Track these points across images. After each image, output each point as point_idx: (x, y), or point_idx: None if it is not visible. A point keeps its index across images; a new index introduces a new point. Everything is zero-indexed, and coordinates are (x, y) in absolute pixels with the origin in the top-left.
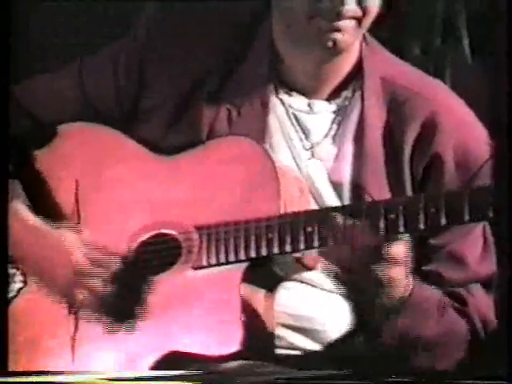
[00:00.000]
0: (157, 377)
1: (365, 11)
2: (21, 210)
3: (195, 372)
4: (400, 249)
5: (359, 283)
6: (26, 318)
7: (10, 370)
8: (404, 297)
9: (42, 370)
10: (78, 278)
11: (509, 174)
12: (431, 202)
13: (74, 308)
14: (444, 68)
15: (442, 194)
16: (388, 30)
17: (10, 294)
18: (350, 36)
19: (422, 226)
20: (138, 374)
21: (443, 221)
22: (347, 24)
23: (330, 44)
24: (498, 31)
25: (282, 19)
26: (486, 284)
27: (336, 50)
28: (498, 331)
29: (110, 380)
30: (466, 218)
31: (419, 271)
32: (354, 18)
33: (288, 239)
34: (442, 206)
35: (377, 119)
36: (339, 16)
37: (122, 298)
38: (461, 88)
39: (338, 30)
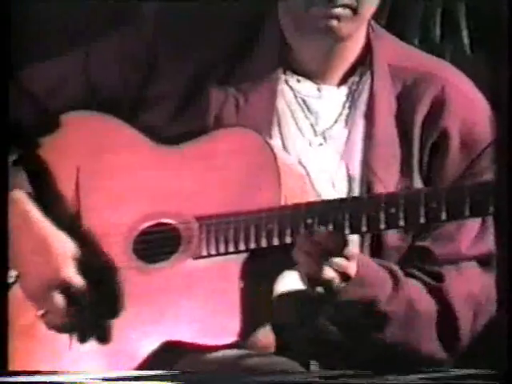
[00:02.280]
0: (156, 376)
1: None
2: (22, 199)
3: (187, 370)
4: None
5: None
6: (25, 304)
7: (9, 357)
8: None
9: (39, 370)
10: (54, 293)
11: (508, 168)
12: (432, 196)
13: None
14: (443, 59)
15: (443, 189)
16: (387, 22)
17: (10, 280)
18: (347, 24)
19: (422, 221)
20: (136, 374)
21: (443, 216)
22: (342, 11)
23: (327, 30)
24: (498, 22)
25: (285, 9)
26: (483, 262)
27: (336, 37)
28: (498, 317)
29: (110, 380)
30: (467, 213)
31: (413, 246)
32: (347, 6)
33: (288, 231)
34: (443, 201)
35: (386, 103)
36: (332, 3)
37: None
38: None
39: (333, 16)
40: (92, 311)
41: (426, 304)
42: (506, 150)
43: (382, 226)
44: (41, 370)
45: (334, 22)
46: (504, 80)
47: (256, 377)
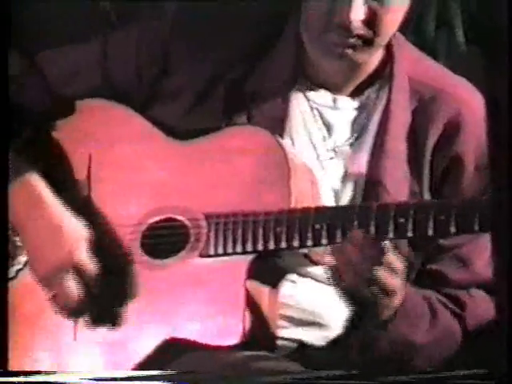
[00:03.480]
0: (155, 376)
1: (377, 31)
2: (35, 182)
3: (186, 371)
4: (397, 258)
5: (356, 288)
6: (29, 294)
7: (10, 349)
8: (397, 305)
9: (39, 369)
10: (66, 274)
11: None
12: (442, 209)
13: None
14: (437, 54)
15: (453, 202)
16: None
17: (17, 267)
18: (363, 53)
19: (430, 233)
20: (137, 374)
21: (453, 229)
22: (357, 42)
23: (342, 57)
24: (493, 17)
25: (305, 25)
26: (489, 289)
27: (352, 64)
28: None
29: (109, 380)
30: (476, 227)
31: (424, 270)
32: (363, 36)
33: (296, 235)
34: (453, 214)
35: (401, 118)
36: (348, 33)
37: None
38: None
39: (349, 46)
40: (104, 295)
41: (457, 333)
42: (507, 152)
43: (391, 235)
44: (43, 360)
45: (349, 51)
46: (501, 73)
47: (258, 377)
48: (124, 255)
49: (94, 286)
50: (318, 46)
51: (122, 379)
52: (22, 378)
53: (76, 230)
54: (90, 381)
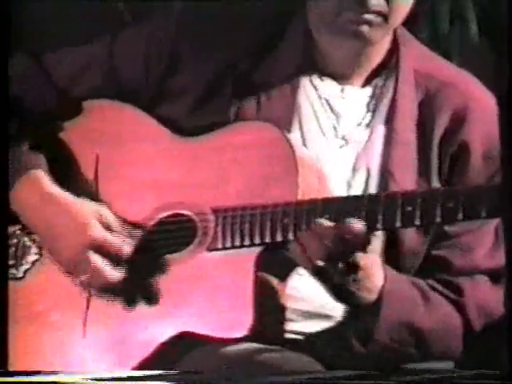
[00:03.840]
0: (155, 375)
1: (392, 7)
2: (40, 177)
3: (178, 372)
4: (372, 255)
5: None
6: (38, 291)
7: (19, 348)
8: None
9: (39, 369)
10: (88, 253)
11: None
12: (449, 196)
13: (78, 283)
14: (451, 48)
15: (460, 189)
16: None
17: (25, 267)
18: (377, 30)
19: (438, 220)
20: (138, 374)
21: (460, 216)
22: (373, 18)
23: (357, 35)
24: (505, 10)
25: (315, 10)
26: (494, 277)
27: (366, 42)
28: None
29: (110, 380)
30: (483, 214)
31: (429, 255)
32: (380, 12)
33: (304, 226)
34: (460, 201)
35: (408, 108)
36: (365, 9)
37: (131, 279)
38: (468, 68)
39: (364, 22)
40: (135, 269)
41: (454, 319)
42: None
43: (398, 224)
44: (52, 358)
45: (365, 28)
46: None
47: (258, 377)
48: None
49: (120, 261)
50: (332, 27)
51: (124, 379)
52: (22, 378)
53: (85, 210)
54: (93, 381)
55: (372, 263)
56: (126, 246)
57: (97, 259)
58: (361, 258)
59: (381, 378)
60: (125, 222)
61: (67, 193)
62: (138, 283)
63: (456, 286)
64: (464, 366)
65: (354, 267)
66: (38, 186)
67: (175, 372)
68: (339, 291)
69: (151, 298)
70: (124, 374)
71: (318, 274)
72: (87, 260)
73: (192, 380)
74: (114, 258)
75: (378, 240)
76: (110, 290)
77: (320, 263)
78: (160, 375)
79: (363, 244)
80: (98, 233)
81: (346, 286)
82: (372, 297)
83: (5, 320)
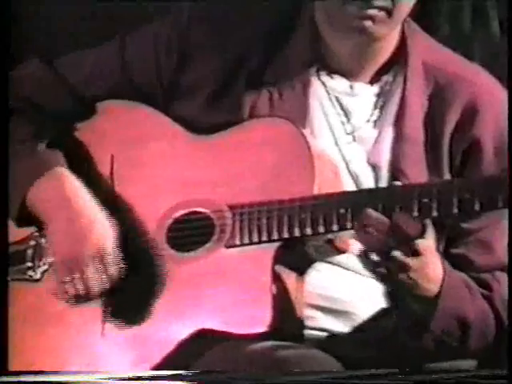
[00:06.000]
0: (158, 376)
1: (396, 2)
2: (63, 173)
3: (195, 372)
4: (430, 241)
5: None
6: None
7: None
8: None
9: (41, 369)
10: (88, 261)
11: None
12: (466, 187)
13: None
14: (473, 46)
15: (476, 180)
16: (418, 10)
17: (43, 268)
18: (382, 25)
19: (455, 211)
20: (139, 374)
21: (477, 206)
22: (376, 13)
23: (361, 30)
24: None
25: (320, 5)
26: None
27: (370, 38)
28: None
29: (110, 380)
30: (500, 204)
31: (448, 254)
32: (383, 8)
33: (321, 220)
34: (477, 192)
35: (418, 103)
36: (369, 4)
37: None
38: (490, 66)
39: (368, 17)
40: (129, 290)
41: (489, 314)
42: None
43: (415, 215)
44: (72, 358)
45: (369, 23)
46: None
47: (271, 378)
48: (150, 250)
49: (116, 280)
50: (336, 23)
51: (127, 379)
52: (22, 378)
53: (104, 223)
54: (96, 380)
55: (431, 250)
56: (117, 270)
57: (90, 269)
58: (420, 243)
59: (410, 377)
60: (136, 229)
61: (87, 195)
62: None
63: (484, 282)
64: (486, 365)
65: (415, 253)
66: (59, 182)
67: (191, 372)
68: (395, 283)
69: (137, 319)
70: (128, 375)
71: (373, 266)
72: (80, 266)
73: (208, 380)
74: (106, 275)
75: (431, 228)
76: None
77: (374, 256)
78: (175, 375)
79: (420, 231)
80: (106, 247)
81: (403, 276)
82: (433, 287)
83: (5, 320)
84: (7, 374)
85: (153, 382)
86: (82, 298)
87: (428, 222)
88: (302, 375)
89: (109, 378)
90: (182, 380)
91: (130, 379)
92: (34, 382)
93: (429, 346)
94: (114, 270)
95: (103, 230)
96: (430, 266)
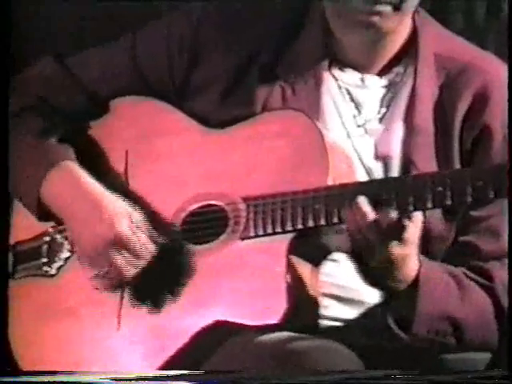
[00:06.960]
0: (160, 376)
1: None
2: (72, 167)
3: (198, 372)
4: (413, 229)
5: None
6: (72, 287)
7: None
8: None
9: (47, 369)
10: (113, 249)
11: None
12: (479, 175)
13: (98, 279)
14: (487, 37)
15: (489, 168)
16: (432, 2)
17: (58, 263)
18: (389, 20)
19: (469, 199)
20: (141, 374)
21: (491, 194)
22: (384, 8)
23: (369, 25)
24: None
25: (329, 1)
26: None
27: (378, 32)
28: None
29: (111, 380)
30: None
31: (456, 241)
32: (390, 3)
33: (335, 211)
34: (490, 180)
35: (429, 94)
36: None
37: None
38: (504, 57)
39: (375, 13)
40: (153, 273)
41: (488, 306)
42: None
43: (429, 205)
44: (88, 353)
45: (376, 18)
46: None
47: (279, 378)
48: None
49: (141, 259)
50: (344, 18)
51: (129, 379)
52: (22, 378)
53: (115, 205)
54: (100, 380)
55: (406, 254)
56: (148, 251)
57: (118, 256)
58: (395, 247)
59: (424, 377)
60: (155, 220)
61: (100, 185)
62: (161, 285)
63: (486, 272)
64: (500, 357)
65: (388, 257)
66: (70, 175)
67: (203, 372)
68: (373, 279)
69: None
70: (129, 375)
71: (356, 259)
72: (108, 255)
73: (218, 379)
74: (135, 259)
75: (414, 228)
76: (122, 287)
77: (358, 250)
78: (181, 375)
79: (398, 232)
80: (125, 231)
81: (379, 274)
82: (403, 286)
83: (5, 320)
84: (7, 374)
85: (158, 382)
86: (118, 286)
87: (412, 221)
88: (312, 375)
89: (113, 379)
90: (188, 380)
91: (136, 379)
92: (35, 382)
93: (422, 344)
94: (141, 253)
95: (115, 213)
96: (402, 270)
